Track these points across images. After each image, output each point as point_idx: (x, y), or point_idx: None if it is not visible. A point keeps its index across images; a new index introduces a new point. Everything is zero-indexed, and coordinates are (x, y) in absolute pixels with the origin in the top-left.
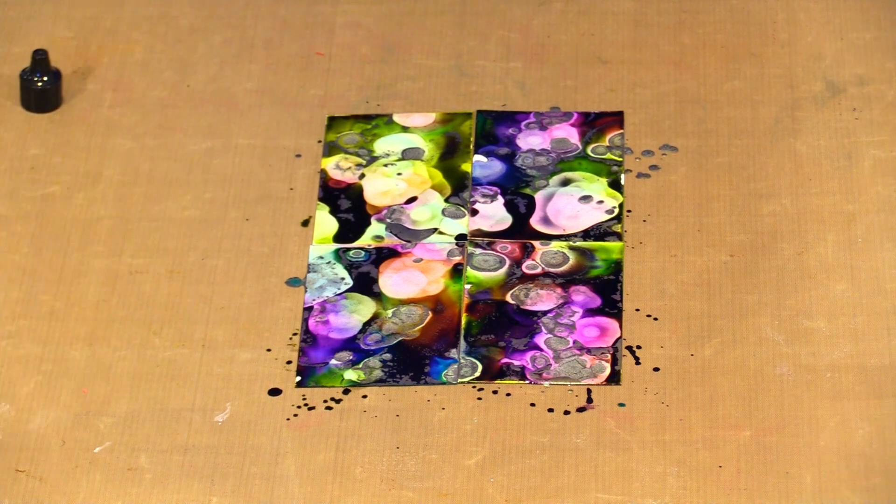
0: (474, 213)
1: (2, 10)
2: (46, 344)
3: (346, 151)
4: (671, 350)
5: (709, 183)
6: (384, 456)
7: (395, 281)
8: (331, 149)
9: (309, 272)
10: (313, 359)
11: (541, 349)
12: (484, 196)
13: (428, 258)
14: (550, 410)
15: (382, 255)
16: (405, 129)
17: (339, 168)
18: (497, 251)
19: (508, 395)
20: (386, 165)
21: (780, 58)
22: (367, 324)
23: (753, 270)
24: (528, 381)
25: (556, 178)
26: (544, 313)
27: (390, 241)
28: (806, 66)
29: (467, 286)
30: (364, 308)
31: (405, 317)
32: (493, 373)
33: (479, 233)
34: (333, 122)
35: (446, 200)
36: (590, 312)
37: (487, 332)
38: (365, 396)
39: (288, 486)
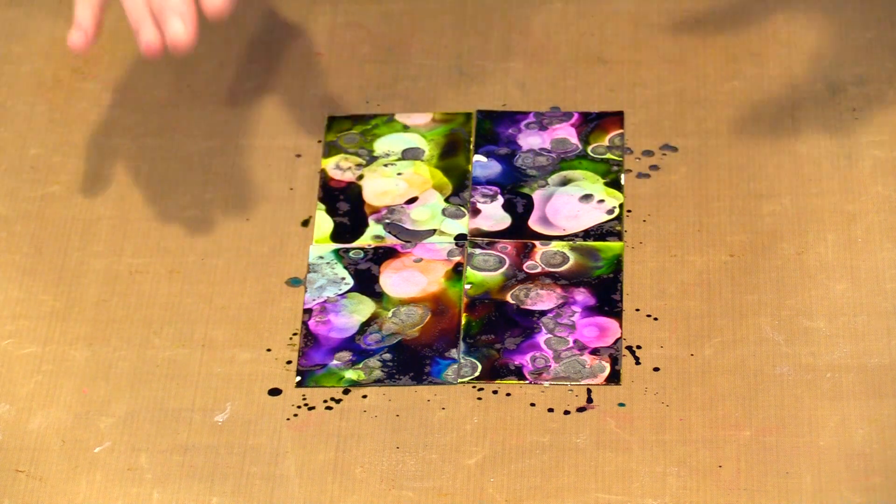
0: (476, 212)
1: (2, 10)
2: (46, 344)
3: (346, 151)
4: (671, 350)
5: (709, 183)
6: (384, 456)
7: (395, 281)
8: (331, 149)
9: (309, 272)
10: (313, 359)
11: (541, 349)
12: (484, 196)
13: (428, 258)
14: (550, 410)
15: (380, 254)
16: (406, 127)
17: (339, 168)
18: (497, 251)
19: (508, 395)
20: (386, 165)
21: (780, 58)
22: (366, 324)
23: (753, 270)
24: (528, 381)
25: (555, 178)
26: (544, 313)
27: (390, 241)
28: (806, 66)
29: (467, 286)
30: (364, 308)
31: (405, 317)
32: (493, 373)
33: (479, 233)
34: (333, 122)
35: (446, 200)
36: (589, 312)
37: (487, 332)
38: (365, 396)
39: (288, 486)
